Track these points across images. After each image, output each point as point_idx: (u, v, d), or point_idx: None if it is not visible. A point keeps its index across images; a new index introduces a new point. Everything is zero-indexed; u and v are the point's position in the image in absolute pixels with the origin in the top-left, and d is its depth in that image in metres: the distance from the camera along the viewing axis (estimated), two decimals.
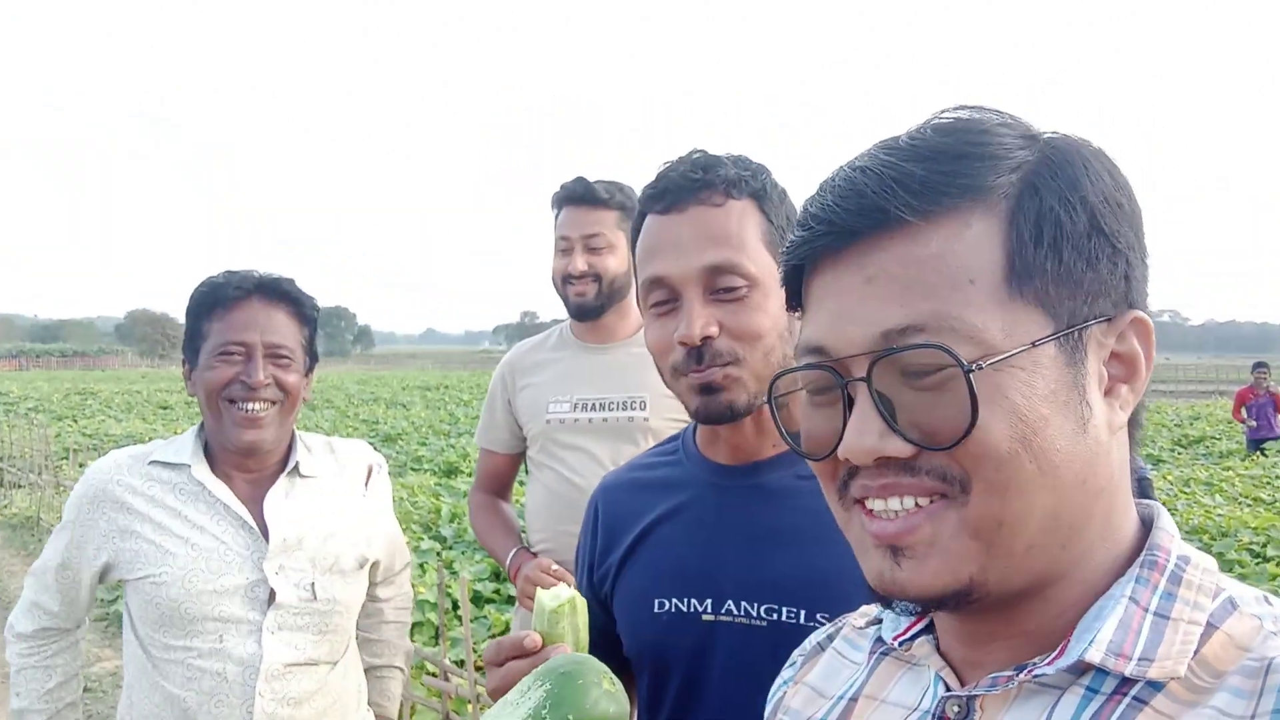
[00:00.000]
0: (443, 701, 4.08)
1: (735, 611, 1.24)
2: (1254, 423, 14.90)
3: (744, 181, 1.26)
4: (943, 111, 0.71)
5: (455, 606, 5.80)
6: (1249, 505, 10.55)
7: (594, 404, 2.55)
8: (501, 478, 2.85)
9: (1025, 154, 0.68)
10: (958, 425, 0.64)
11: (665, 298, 1.26)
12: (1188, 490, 11.63)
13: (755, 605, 1.22)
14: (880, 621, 0.85)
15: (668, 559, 1.32)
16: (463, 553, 8.09)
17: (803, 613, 1.20)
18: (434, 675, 4.13)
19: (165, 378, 57.06)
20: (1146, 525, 0.72)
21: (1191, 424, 22.47)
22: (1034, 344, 0.64)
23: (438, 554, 7.88)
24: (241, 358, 1.84)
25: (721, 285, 1.22)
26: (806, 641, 0.96)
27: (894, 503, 0.68)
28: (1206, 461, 15.66)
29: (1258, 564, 7.71)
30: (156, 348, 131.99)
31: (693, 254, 1.22)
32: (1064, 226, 0.67)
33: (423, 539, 8.40)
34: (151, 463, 1.90)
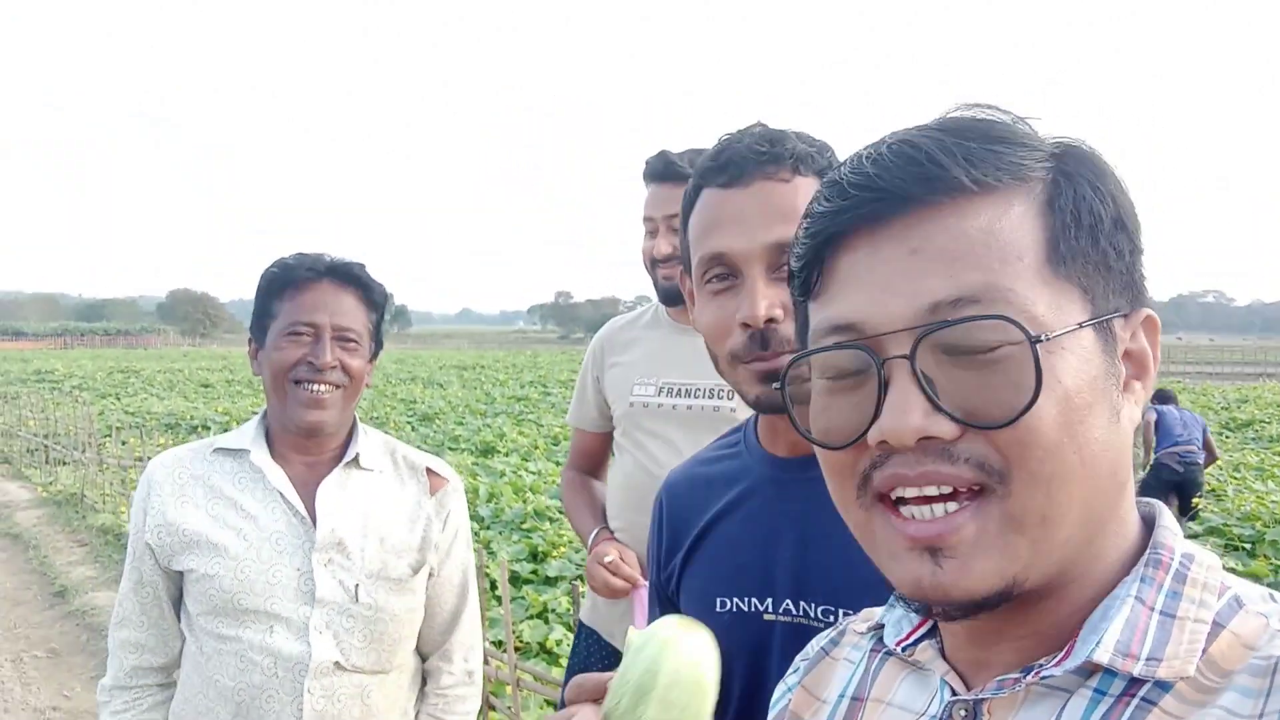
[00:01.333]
0: (482, 684, 4.05)
1: (794, 611, 1.18)
2: None
3: (810, 158, 1.18)
4: (955, 109, 0.70)
5: (493, 587, 5.78)
6: None
7: (680, 389, 2.40)
8: (593, 456, 2.75)
9: (1053, 146, 0.69)
10: (1013, 402, 0.61)
11: (724, 274, 1.18)
12: (1238, 475, 11.40)
13: (813, 605, 1.17)
14: (882, 626, 0.83)
15: (728, 556, 1.27)
16: (500, 533, 8.10)
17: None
18: None
19: (206, 356, 57.96)
20: (1148, 524, 0.71)
21: (1240, 407, 22.04)
22: (1081, 325, 0.64)
23: (475, 534, 7.89)
24: (310, 339, 1.84)
25: (785, 262, 1.14)
26: (809, 646, 0.94)
27: (930, 491, 0.64)
28: (1256, 446, 15.34)
29: None
30: (198, 326, 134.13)
31: (757, 230, 1.15)
32: (1098, 214, 0.67)
33: None
34: (216, 450, 1.91)
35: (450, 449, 14.40)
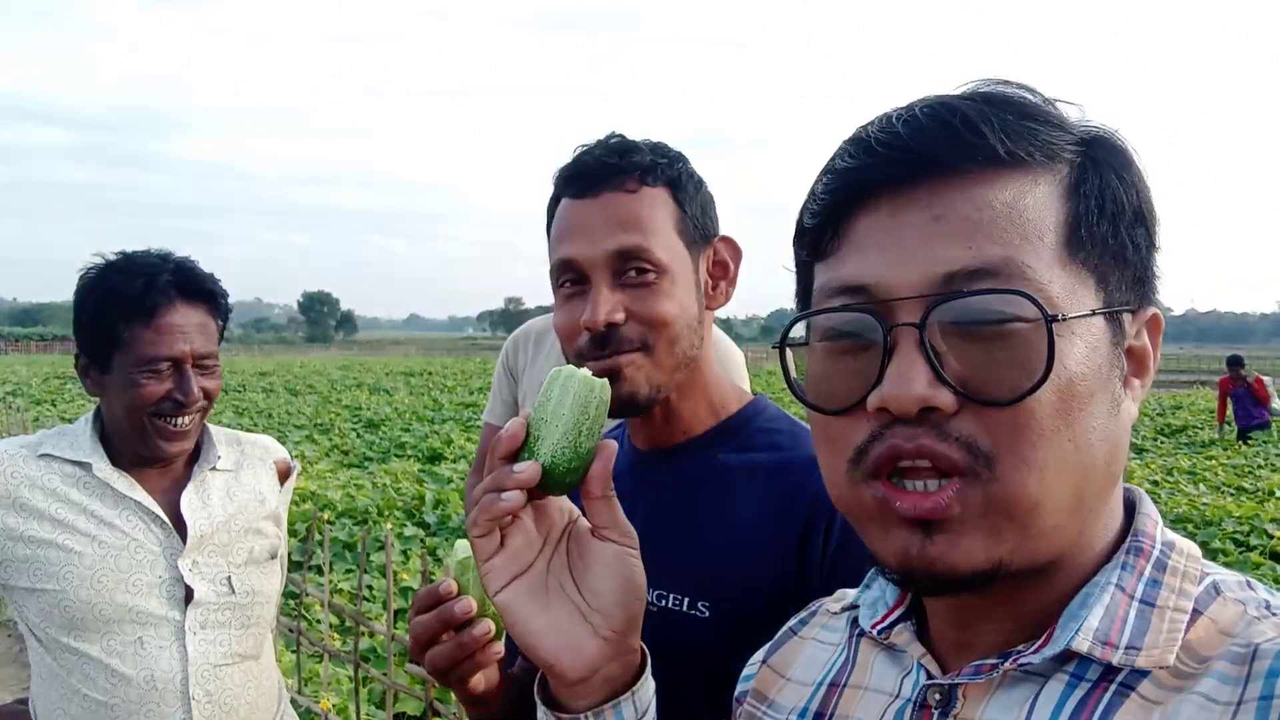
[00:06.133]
0: (425, 689, 4.03)
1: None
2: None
3: (659, 169, 1.25)
4: (986, 83, 0.69)
5: None
6: (1232, 494, 10.63)
7: None
8: None
9: (1083, 131, 0.68)
10: (1019, 382, 0.60)
11: (574, 279, 1.25)
12: (1171, 479, 11.70)
13: (649, 590, 1.24)
14: (856, 606, 0.82)
15: None
16: (446, 539, 8.04)
17: (686, 600, 1.22)
18: (417, 663, 4.07)
19: None
20: (1128, 509, 0.71)
21: (1174, 413, 22.62)
22: (1094, 311, 0.63)
23: (421, 540, 7.83)
24: (170, 372, 1.74)
25: (630, 269, 1.22)
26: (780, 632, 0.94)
27: (923, 464, 0.63)
28: (1189, 451, 15.76)
29: (1241, 553, 7.77)
30: None
31: (602, 238, 1.22)
32: (1121, 204, 0.66)
33: (406, 525, 8.35)
34: (43, 455, 1.78)
35: (396, 455, 14.25)
